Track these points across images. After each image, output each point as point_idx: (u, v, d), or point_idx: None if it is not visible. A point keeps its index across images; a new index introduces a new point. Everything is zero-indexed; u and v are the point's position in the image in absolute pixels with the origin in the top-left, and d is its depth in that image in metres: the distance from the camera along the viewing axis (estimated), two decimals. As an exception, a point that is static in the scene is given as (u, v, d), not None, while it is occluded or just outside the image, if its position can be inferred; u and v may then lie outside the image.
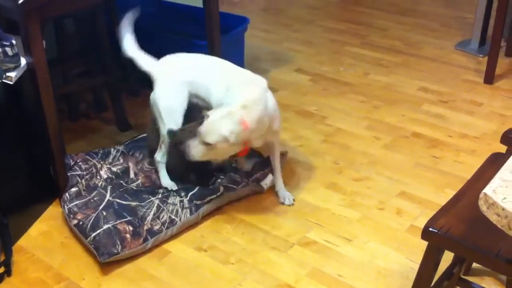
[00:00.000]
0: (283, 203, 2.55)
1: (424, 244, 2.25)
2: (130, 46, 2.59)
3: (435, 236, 1.48)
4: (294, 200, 2.56)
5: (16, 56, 2.28)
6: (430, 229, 1.48)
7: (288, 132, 3.10)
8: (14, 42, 2.30)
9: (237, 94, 2.30)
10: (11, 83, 2.20)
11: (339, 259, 2.24)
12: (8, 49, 2.29)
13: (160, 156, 2.54)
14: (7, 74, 2.20)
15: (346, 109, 3.35)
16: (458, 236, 1.46)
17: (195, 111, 2.48)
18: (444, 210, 1.55)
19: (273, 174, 2.59)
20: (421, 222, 2.37)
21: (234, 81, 2.40)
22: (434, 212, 2.42)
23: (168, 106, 2.47)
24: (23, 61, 2.28)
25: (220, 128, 2.17)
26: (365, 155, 2.89)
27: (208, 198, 2.46)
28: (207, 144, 2.21)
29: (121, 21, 2.58)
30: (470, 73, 3.69)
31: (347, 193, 2.61)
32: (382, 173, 2.75)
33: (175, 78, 2.49)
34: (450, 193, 2.52)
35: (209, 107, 2.48)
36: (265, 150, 2.64)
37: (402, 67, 3.85)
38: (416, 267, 2.12)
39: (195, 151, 2.24)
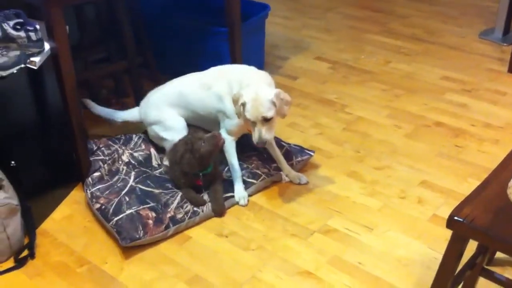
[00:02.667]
0: (299, 183, 2.56)
1: (447, 233, 2.23)
2: (113, 114, 2.80)
3: (460, 225, 1.46)
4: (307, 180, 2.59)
5: (40, 41, 2.29)
6: (455, 218, 1.46)
7: (308, 120, 3.09)
8: (38, 27, 2.30)
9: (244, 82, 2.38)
10: (35, 68, 2.21)
11: (359, 248, 2.23)
12: (32, 34, 2.29)
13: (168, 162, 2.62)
14: (31, 59, 2.21)
15: (366, 97, 3.32)
16: (483, 225, 1.45)
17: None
18: (469, 200, 1.53)
19: (279, 163, 2.60)
20: (444, 212, 2.38)
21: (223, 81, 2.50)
22: (457, 202, 2.40)
23: (167, 129, 2.59)
24: (46, 46, 2.29)
25: (265, 96, 2.25)
26: (386, 144, 2.88)
27: (230, 194, 2.48)
28: (267, 119, 2.26)
29: (90, 108, 2.79)
30: (494, 62, 3.64)
31: (368, 182, 2.60)
32: (403, 162, 2.73)
33: (158, 106, 2.63)
34: (473, 183, 2.52)
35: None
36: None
37: (424, 56, 3.81)
38: (438, 257, 2.14)
39: (265, 134, 2.27)
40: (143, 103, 2.74)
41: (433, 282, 1.61)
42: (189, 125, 2.62)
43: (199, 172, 2.42)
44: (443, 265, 1.55)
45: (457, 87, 3.38)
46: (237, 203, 2.48)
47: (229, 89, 2.45)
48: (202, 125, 2.63)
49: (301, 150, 2.72)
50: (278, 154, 2.59)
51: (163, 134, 2.61)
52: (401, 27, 4.22)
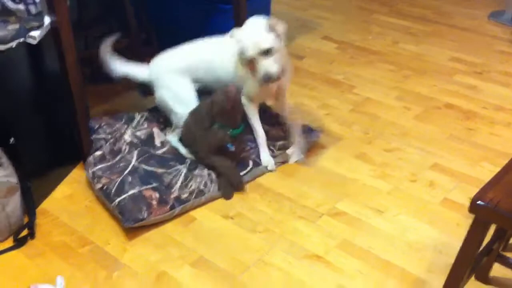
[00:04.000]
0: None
1: (458, 218, 2.21)
2: (118, 65, 2.58)
3: (484, 209, 1.39)
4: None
5: (39, 15, 2.20)
6: (479, 202, 1.39)
7: (315, 101, 3.01)
8: (37, 0, 2.22)
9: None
10: (34, 42, 2.12)
11: (369, 231, 2.17)
12: (31, 7, 2.20)
13: (171, 136, 2.54)
14: (31, 33, 2.12)
15: (374, 78, 3.24)
16: (507, 209, 1.38)
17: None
18: (492, 184, 1.47)
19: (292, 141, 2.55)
20: (455, 196, 2.32)
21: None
22: (469, 186, 2.38)
23: (176, 98, 2.47)
24: (46, 20, 2.20)
25: (258, 27, 2.20)
26: (395, 126, 2.80)
27: (246, 171, 2.40)
28: (268, 51, 2.19)
29: (101, 49, 2.55)
30: (505, 44, 3.56)
31: (377, 164, 2.53)
32: (413, 144, 2.66)
33: (170, 71, 2.48)
34: (486, 167, 2.46)
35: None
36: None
37: (432, 36, 3.72)
38: (449, 241, 2.09)
39: (270, 66, 2.20)
40: (156, 64, 2.56)
41: (452, 268, 1.55)
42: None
43: (231, 130, 2.31)
44: (464, 250, 1.49)
45: (467, 68, 3.30)
46: (266, 167, 2.46)
47: None
48: None
49: (310, 129, 2.65)
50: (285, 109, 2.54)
51: (173, 105, 2.48)
52: (409, 8, 4.13)
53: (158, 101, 2.55)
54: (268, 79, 2.23)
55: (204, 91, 2.52)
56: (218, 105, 2.27)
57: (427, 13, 4.05)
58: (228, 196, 2.33)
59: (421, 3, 4.20)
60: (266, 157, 2.47)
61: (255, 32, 2.21)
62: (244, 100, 2.41)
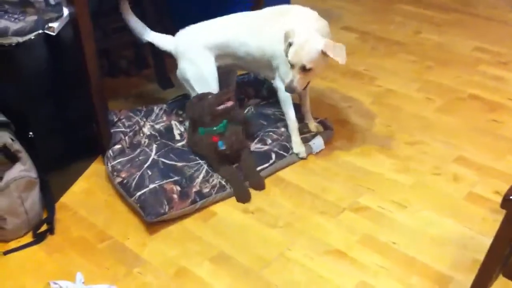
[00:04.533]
0: (311, 147, 2.49)
1: (483, 212, 2.15)
2: (143, 31, 2.51)
3: (516, 205, 1.34)
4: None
5: (58, 6, 2.17)
6: (511, 197, 1.34)
7: (335, 93, 2.96)
8: (56, -9, 2.20)
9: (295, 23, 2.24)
10: (53, 34, 2.10)
11: (392, 226, 2.12)
12: (50, -2, 2.19)
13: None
14: (49, 24, 2.10)
15: (396, 69, 3.18)
16: (540, 205, 1.33)
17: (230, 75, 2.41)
18: (523, 178, 1.41)
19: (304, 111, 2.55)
20: (480, 189, 2.27)
21: (279, 19, 2.33)
22: (494, 180, 2.32)
23: (198, 75, 2.41)
24: (65, 11, 2.18)
25: (314, 45, 2.13)
26: (418, 118, 2.74)
27: (260, 168, 2.36)
28: (306, 70, 2.16)
29: (123, 13, 2.49)
30: (530, 33, 3.47)
31: (400, 158, 2.48)
32: (436, 137, 2.60)
33: (197, 46, 2.42)
34: (514, 160, 2.39)
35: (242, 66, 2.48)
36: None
37: (455, 26, 3.64)
38: (475, 236, 2.04)
39: (297, 82, 2.17)
40: (184, 35, 2.47)
41: (481, 265, 1.50)
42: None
43: (211, 127, 2.29)
44: (494, 247, 1.43)
45: (491, 59, 3.21)
46: (297, 155, 2.43)
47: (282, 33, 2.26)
48: (254, 70, 2.56)
49: (325, 125, 2.61)
50: (307, 102, 2.54)
51: (194, 83, 2.43)
52: (431, -3, 4.04)
53: (179, 74, 2.48)
54: (289, 90, 2.21)
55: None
56: (199, 111, 2.27)
57: (449, 2, 3.96)
58: (244, 200, 2.26)
59: (443, -8, 4.11)
60: (297, 144, 2.43)
61: (306, 45, 2.14)
62: (278, 83, 2.38)
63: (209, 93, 2.31)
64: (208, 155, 2.34)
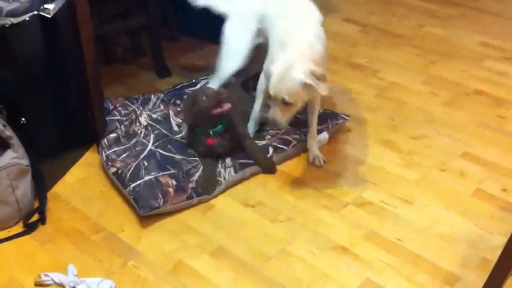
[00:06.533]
0: (314, 163, 2.32)
1: (492, 210, 2.09)
2: None
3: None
4: (324, 161, 2.33)
5: (53, -13, 2.09)
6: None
7: (337, 85, 2.88)
8: (52, -29, 2.10)
9: (295, 28, 2.09)
10: (49, 16, 2.01)
11: (397, 222, 2.05)
12: (45, -21, 2.09)
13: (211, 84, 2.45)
14: (45, 6, 2.01)
15: (399, 62, 3.11)
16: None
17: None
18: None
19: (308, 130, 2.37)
20: (488, 186, 2.20)
21: (292, 13, 2.18)
22: (502, 176, 2.25)
23: (232, 43, 2.36)
24: (61, -7, 2.09)
25: (295, 76, 1.93)
26: (422, 112, 2.67)
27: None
28: (287, 103, 1.98)
29: None
30: (535, 29, 3.41)
31: (404, 152, 2.41)
32: (442, 131, 2.53)
33: (246, 13, 2.34)
34: (523, 156, 2.33)
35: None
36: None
37: (460, 20, 3.57)
38: (484, 235, 1.98)
39: (280, 117, 2.00)
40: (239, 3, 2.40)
41: (495, 264, 1.43)
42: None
43: (208, 130, 2.22)
44: (508, 248, 1.37)
45: (497, 54, 3.15)
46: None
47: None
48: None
49: (336, 114, 2.53)
50: (313, 121, 2.32)
51: (225, 52, 2.38)
52: (435, -10, 3.97)
53: (222, 33, 2.39)
54: (273, 125, 2.10)
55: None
56: (194, 117, 2.21)
57: (453, -4, 3.90)
58: (206, 191, 2.14)
59: (447, -14, 4.04)
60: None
61: (287, 80, 1.94)
62: (264, 66, 2.27)
63: (203, 92, 2.20)
64: (200, 152, 2.27)
